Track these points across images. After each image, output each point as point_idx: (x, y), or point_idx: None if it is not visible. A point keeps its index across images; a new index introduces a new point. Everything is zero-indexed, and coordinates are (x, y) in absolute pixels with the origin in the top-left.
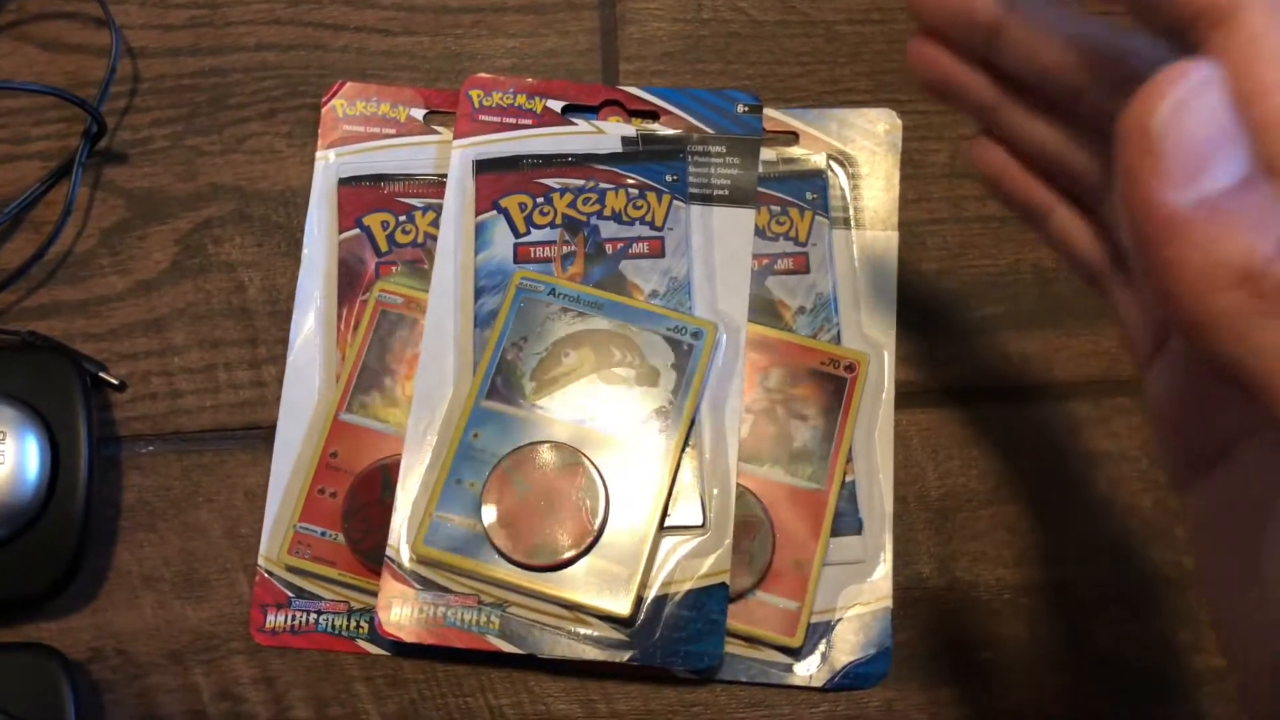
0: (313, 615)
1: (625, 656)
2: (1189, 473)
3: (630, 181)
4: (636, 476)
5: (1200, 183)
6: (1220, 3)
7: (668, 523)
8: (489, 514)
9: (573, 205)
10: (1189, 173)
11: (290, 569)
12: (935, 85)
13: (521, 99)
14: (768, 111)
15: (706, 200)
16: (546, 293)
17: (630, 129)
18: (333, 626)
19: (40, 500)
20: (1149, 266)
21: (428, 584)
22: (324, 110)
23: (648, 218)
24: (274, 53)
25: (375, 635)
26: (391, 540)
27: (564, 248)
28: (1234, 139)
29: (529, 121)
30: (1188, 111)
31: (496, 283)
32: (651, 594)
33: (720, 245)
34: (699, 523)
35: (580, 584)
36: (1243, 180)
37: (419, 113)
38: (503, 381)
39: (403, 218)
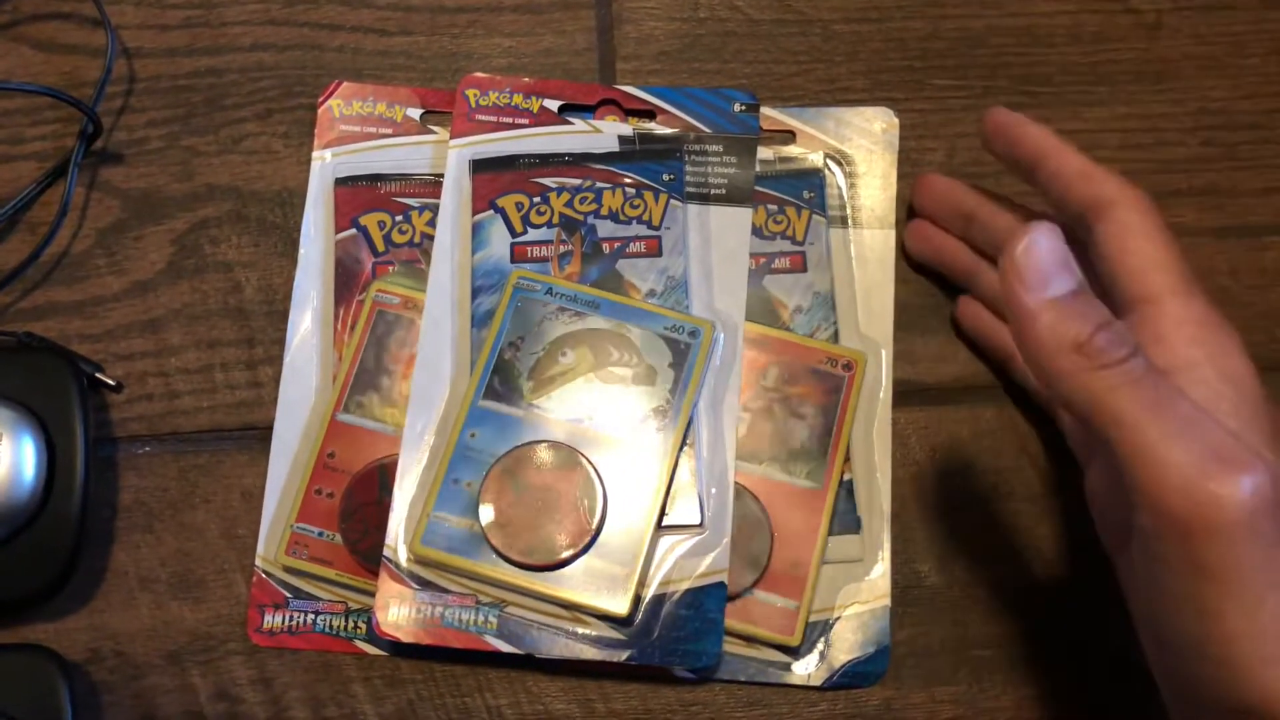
0: (310, 616)
1: (623, 656)
2: (1115, 545)
3: (627, 181)
4: (634, 475)
5: (1046, 290)
6: (1101, 201)
7: (665, 522)
8: (486, 514)
9: (570, 204)
10: (1038, 284)
11: (287, 569)
12: (927, 254)
13: (518, 98)
14: (765, 110)
15: (704, 199)
16: (543, 292)
17: (627, 128)
18: (330, 627)
19: (37, 501)
20: (1022, 342)
21: (425, 584)
22: (320, 110)
23: (645, 217)
24: (270, 53)
25: (373, 636)
26: (389, 540)
27: (561, 247)
28: (1066, 267)
29: (525, 121)
30: (1034, 249)
31: (493, 282)
32: (649, 593)
33: (717, 244)
34: (697, 522)
35: (578, 583)
36: (1073, 290)
37: (415, 112)
38: (500, 381)
39: (399, 217)
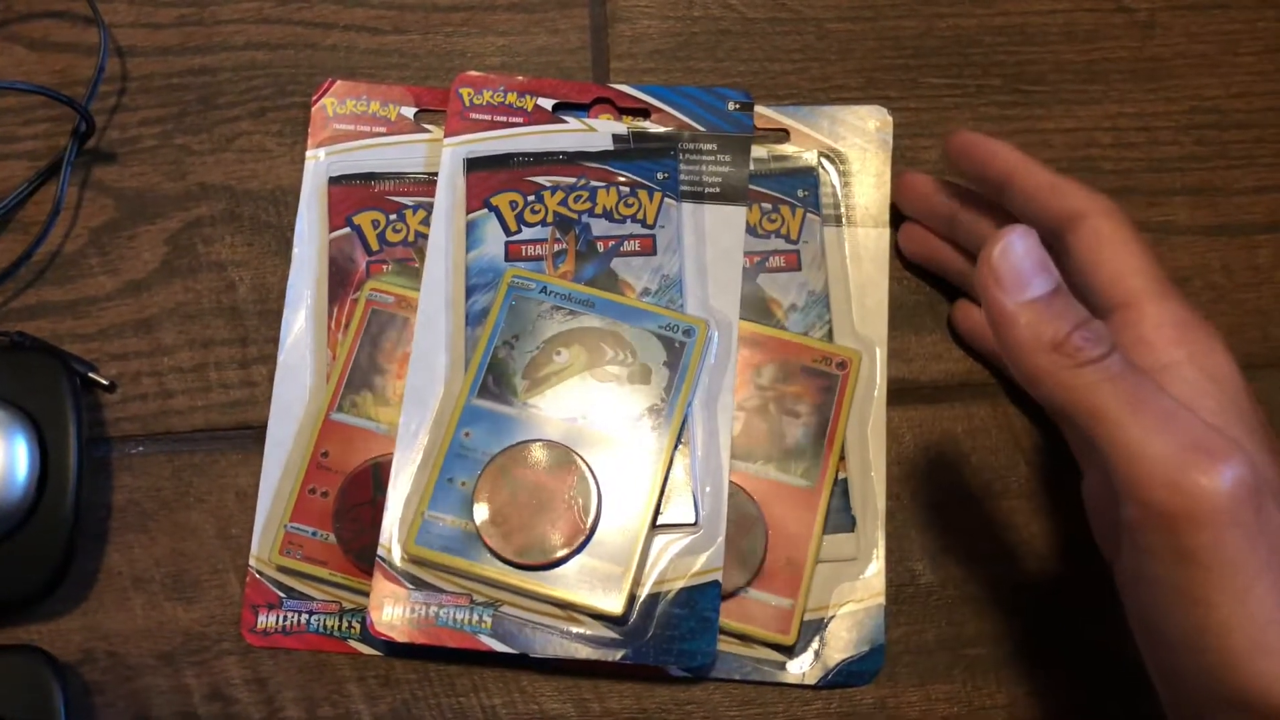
0: (304, 616)
1: (618, 655)
2: (1111, 549)
3: (621, 179)
4: (629, 474)
5: (1024, 292)
6: (1071, 213)
7: (660, 521)
8: (481, 513)
9: (564, 203)
10: (1016, 286)
11: (281, 569)
12: (921, 256)
13: (512, 97)
14: (759, 109)
15: (698, 198)
16: (538, 291)
17: (621, 127)
18: (324, 627)
19: (30, 501)
20: (1002, 344)
21: (420, 584)
22: (314, 109)
23: (639, 215)
24: (263, 51)
25: (367, 635)
26: (383, 540)
27: (555, 246)
28: (1044, 269)
29: (520, 119)
30: (1011, 251)
31: (488, 281)
32: (644, 592)
33: (712, 243)
34: (691, 521)
35: (573, 582)
36: (1051, 291)
37: (409, 111)
38: (494, 380)
39: (393, 216)
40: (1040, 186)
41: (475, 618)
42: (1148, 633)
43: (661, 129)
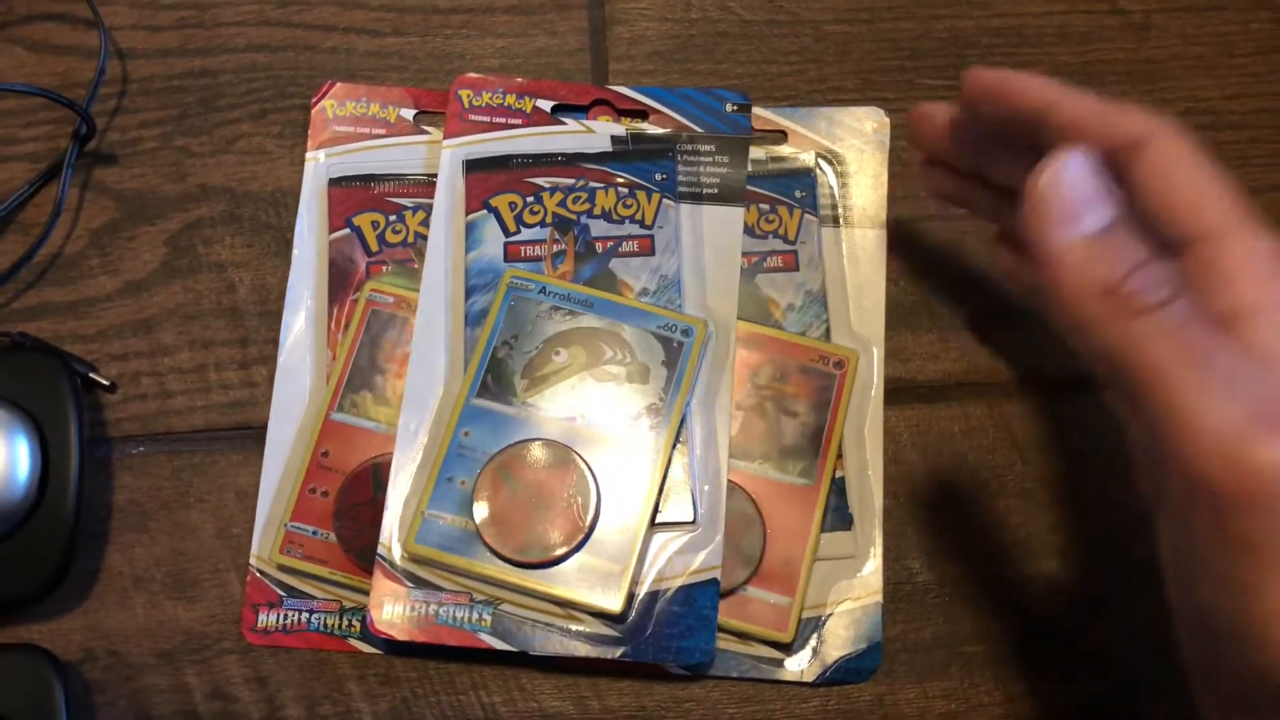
0: (305, 614)
1: (617, 653)
2: (1155, 502)
3: (620, 180)
4: (627, 473)
5: (1074, 227)
6: (1130, 140)
7: (659, 519)
8: (480, 511)
9: (563, 204)
10: (1065, 220)
11: (282, 568)
12: (943, 196)
13: (511, 99)
14: (756, 110)
15: (696, 199)
16: (537, 291)
17: (620, 128)
18: (325, 625)
19: (31, 501)
20: (1046, 285)
21: (420, 582)
22: (314, 111)
23: (637, 216)
24: (263, 53)
25: (367, 634)
26: (383, 539)
27: (554, 246)
28: (1099, 199)
29: (519, 121)
30: (1061, 180)
31: (487, 281)
32: (643, 590)
33: (710, 243)
34: (690, 519)
35: (572, 581)
36: (1106, 227)
37: (409, 113)
38: (493, 379)
39: (393, 217)
40: (1089, 114)
41: (475, 616)
42: (1185, 611)
43: (660, 130)
